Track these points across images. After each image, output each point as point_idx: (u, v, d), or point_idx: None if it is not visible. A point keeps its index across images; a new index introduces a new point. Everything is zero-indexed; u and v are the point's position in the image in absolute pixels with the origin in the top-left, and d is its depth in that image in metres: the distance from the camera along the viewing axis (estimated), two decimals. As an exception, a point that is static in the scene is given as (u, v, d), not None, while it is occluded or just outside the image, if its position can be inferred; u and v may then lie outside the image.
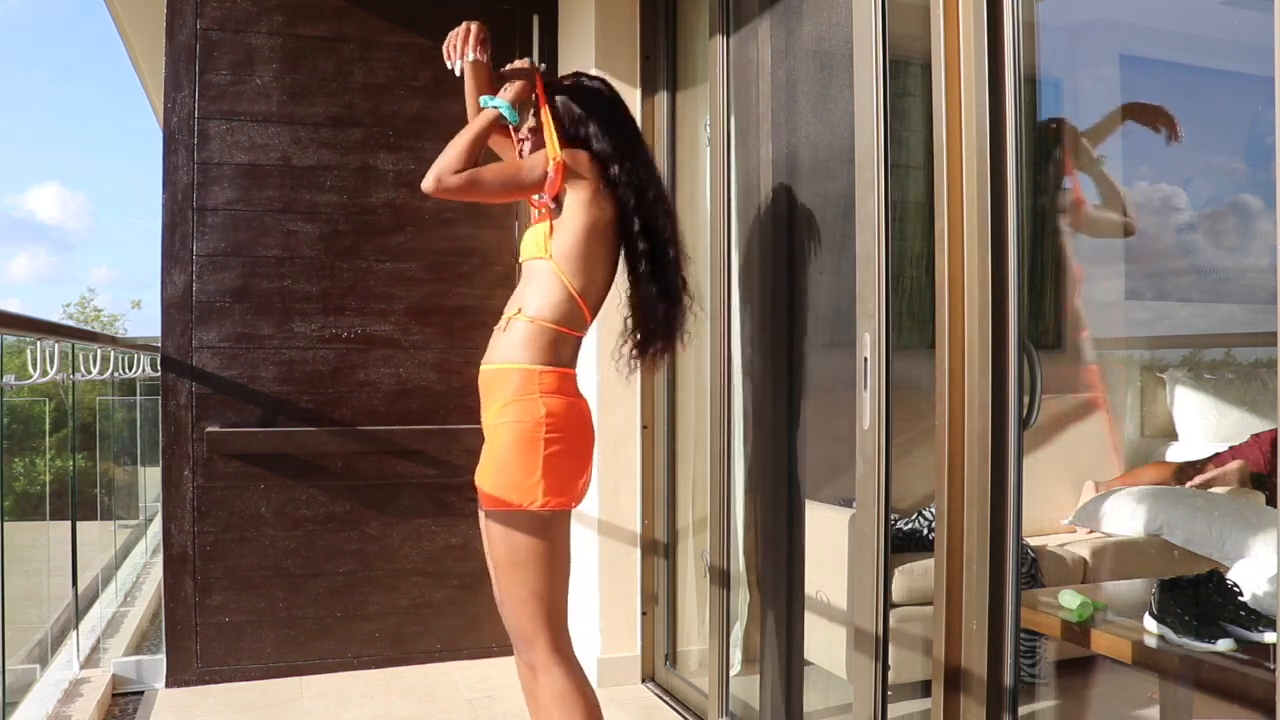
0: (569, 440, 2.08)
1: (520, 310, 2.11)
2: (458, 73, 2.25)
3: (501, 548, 2.08)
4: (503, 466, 2.06)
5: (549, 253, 2.10)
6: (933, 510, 1.92)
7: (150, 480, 5.64)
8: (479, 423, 2.17)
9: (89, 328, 24.99)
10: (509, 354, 2.10)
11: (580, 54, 3.42)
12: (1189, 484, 2.80)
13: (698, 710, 3.00)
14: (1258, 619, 1.83)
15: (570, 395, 2.12)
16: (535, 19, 3.62)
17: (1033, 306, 3.07)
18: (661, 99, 3.28)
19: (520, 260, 2.21)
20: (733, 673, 2.84)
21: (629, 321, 2.23)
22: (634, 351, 2.23)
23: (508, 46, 3.63)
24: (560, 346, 2.10)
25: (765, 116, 2.71)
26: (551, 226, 2.11)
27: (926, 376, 1.89)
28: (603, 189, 2.11)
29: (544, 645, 2.08)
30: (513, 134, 2.22)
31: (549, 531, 2.07)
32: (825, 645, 2.51)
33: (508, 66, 2.24)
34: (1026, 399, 1.78)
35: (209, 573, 3.34)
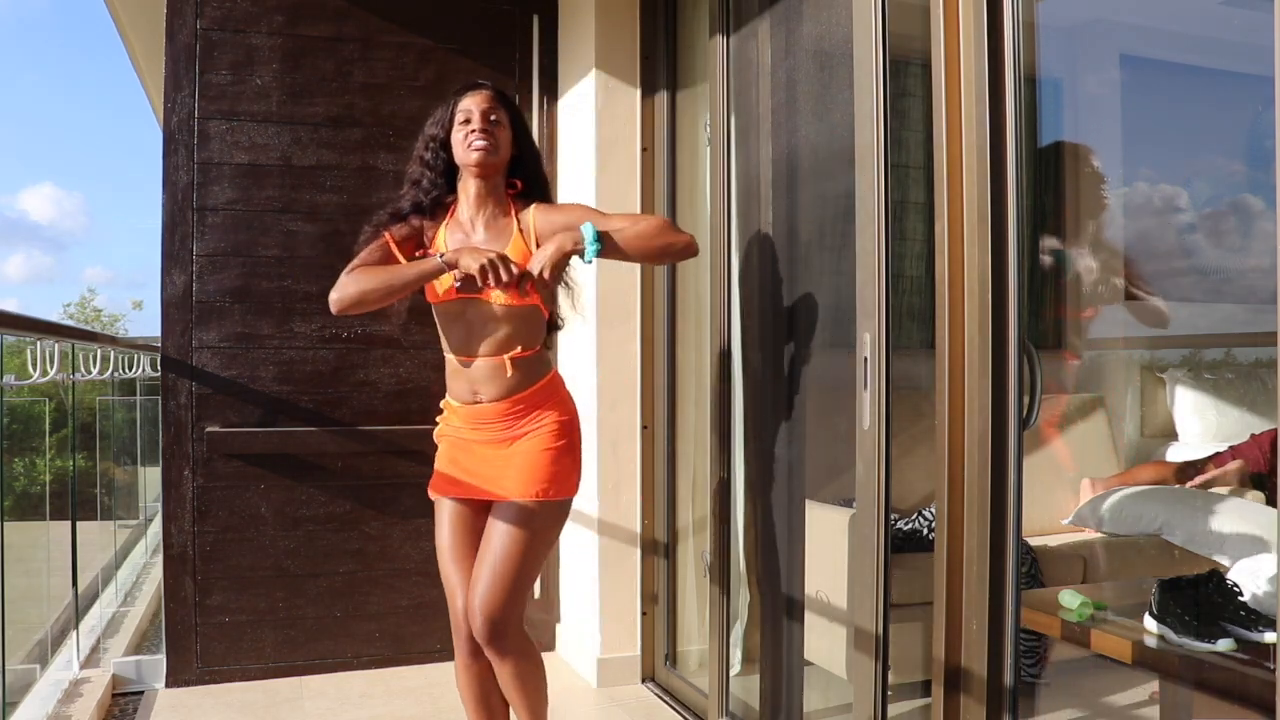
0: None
1: (520, 348, 2.22)
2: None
3: (524, 538, 2.17)
4: (554, 459, 2.22)
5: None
6: (933, 510, 1.92)
7: (150, 480, 5.64)
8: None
9: (89, 328, 25.00)
10: (527, 379, 2.23)
11: (580, 54, 3.43)
12: (1189, 484, 2.80)
13: (698, 710, 3.00)
14: (1258, 619, 1.83)
15: None
16: (535, 19, 3.62)
17: (1032, 306, 3.07)
18: (661, 99, 3.28)
19: (498, 303, 2.19)
20: (733, 673, 2.84)
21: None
22: None
23: (508, 47, 3.63)
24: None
25: (765, 116, 2.71)
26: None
27: (926, 376, 1.89)
28: None
29: (518, 629, 2.21)
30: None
31: (565, 519, 2.31)
32: (825, 645, 2.51)
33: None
34: (1026, 399, 1.78)
35: (209, 573, 3.34)
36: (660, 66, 3.29)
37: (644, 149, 3.32)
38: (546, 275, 2.09)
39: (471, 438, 2.26)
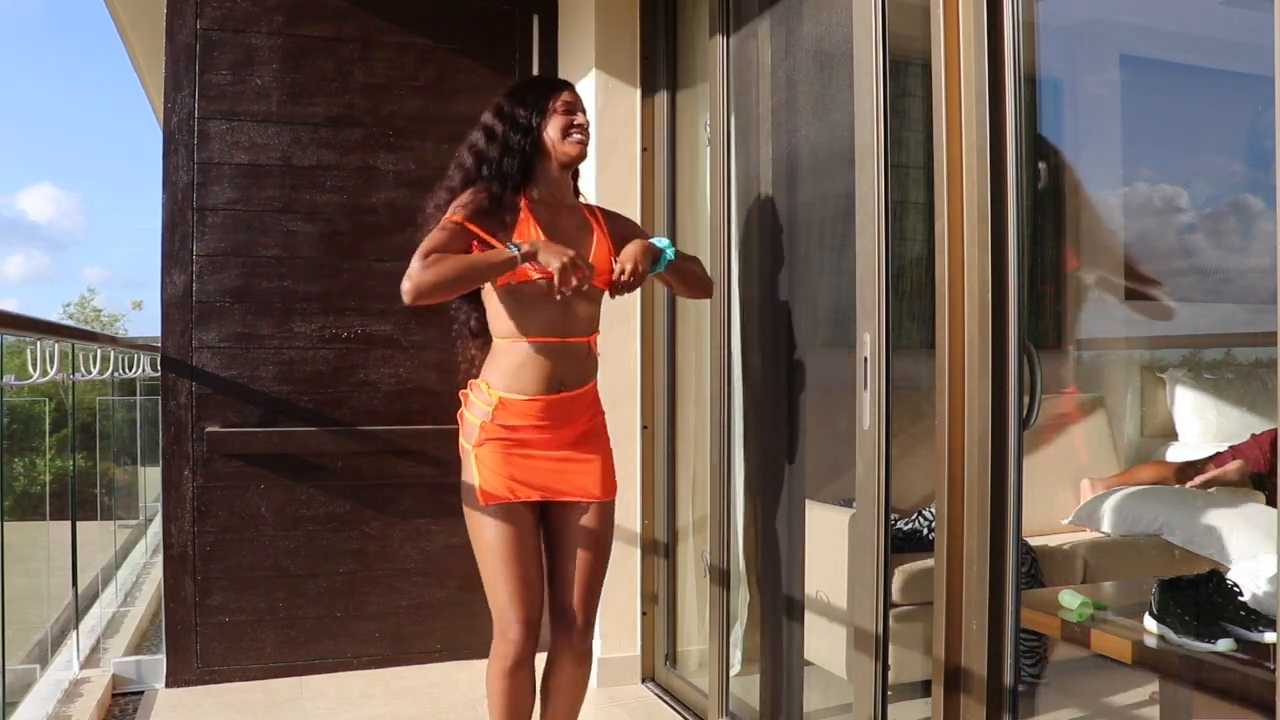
0: None
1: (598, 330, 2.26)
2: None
3: (609, 537, 2.26)
4: (610, 459, 2.28)
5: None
6: (933, 510, 1.92)
7: (150, 480, 5.64)
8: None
9: (89, 328, 24.99)
10: (595, 364, 2.28)
11: (580, 54, 3.43)
12: (1189, 484, 2.80)
13: (698, 710, 3.00)
14: (1258, 619, 1.83)
15: None
16: (535, 19, 3.62)
17: (1032, 306, 3.07)
18: (661, 99, 3.28)
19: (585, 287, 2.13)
20: (733, 673, 2.84)
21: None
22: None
23: (508, 47, 3.63)
24: None
25: (765, 116, 2.71)
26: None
27: (926, 376, 1.89)
28: None
29: (593, 630, 2.26)
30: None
31: None
32: (825, 645, 2.51)
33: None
34: (1026, 399, 1.78)
35: (209, 573, 3.34)
36: (660, 66, 3.29)
37: (644, 149, 3.32)
38: (642, 269, 2.15)
39: (537, 436, 2.15)
